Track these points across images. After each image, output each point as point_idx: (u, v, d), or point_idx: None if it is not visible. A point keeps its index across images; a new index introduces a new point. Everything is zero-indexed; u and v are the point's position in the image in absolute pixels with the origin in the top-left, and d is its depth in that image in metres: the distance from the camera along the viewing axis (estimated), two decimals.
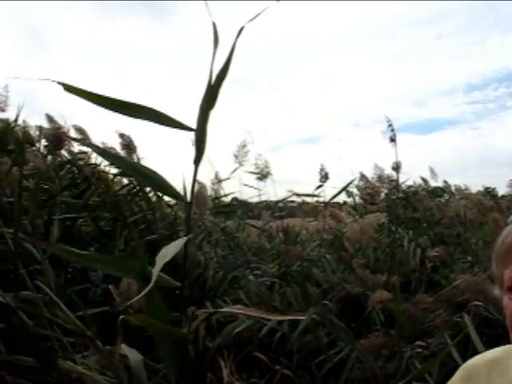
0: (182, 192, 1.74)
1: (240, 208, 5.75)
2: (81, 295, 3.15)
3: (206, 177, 5.17)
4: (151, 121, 1.58)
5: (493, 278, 1.21)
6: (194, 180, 1.62)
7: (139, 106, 1.55)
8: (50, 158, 4.17)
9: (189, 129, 1.55)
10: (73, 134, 4.49)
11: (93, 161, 4.61)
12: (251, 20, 1.36)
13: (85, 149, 4.70)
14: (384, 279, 3.70)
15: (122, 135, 4.54)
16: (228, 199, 5.70)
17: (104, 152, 1.68)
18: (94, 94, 1.56)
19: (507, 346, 1.23)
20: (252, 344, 3.37)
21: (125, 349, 2.15)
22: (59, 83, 1.53)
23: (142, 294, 1.05)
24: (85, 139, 4.61)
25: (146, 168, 1.65)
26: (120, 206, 3.87)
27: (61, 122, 4.31)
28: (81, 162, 4.41)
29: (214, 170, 5.10)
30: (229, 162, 4.66)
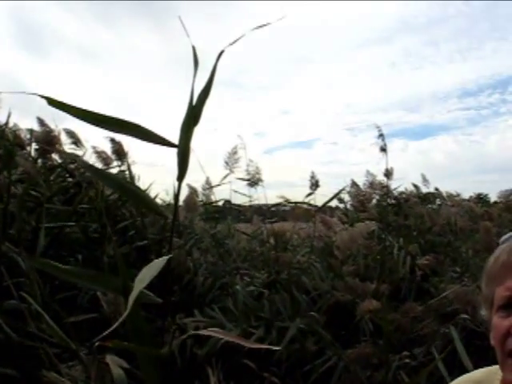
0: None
1: (231, 211, 5.73)
2: (69, 301, 3.15)
3: (197, 182, 5.17)
4: (134, 136, 1.57)
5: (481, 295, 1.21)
6: (177, 197, 1.61)
7: (122, 121, 1.54)
8: (40, 161, 4.16)
9: (172, 145, 1.54)
10: (64, 137, 4.47)
11: None
12: (231, 44, 1.36)
13: (76, 152, 4.69)
14: (373, 287, 3.69)
15: (112, 140, 4.53)
16: (219, 203, 5.70)
17: (89, 167, 1.66)
18: (78, 108, 1.54)
19: (492, 367, 1.23)
20: (240, 352, 3.37)
21: (109, 360, 2.15)
22: (42, 97, 1.52)
23: (119, 321, 1.05)
24: (75, 142, 4.59)
25: (131, 184, 1.65)
26: (110, 212, 3.86)
27: (52, 125, 4.29)
28: (72, 166, 4.39)
29: (205, 176, 5.09)
30: (221, 166, 4.65)
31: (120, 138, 4.53)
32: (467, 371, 2.63)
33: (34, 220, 3.20)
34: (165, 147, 1.58)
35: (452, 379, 2.62)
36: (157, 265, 1.37)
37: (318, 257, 4.66)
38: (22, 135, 4.24)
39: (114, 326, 1.04)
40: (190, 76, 1.44)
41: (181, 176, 1.55)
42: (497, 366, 1.15)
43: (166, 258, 1.43)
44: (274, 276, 4.13)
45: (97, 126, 1.57)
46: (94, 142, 4.72)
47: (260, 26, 1.40)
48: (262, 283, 4.19)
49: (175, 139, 1.55)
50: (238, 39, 1.35)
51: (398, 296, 4.08)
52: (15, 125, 4.32)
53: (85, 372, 2.26)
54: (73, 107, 1.54)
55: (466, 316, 3.11)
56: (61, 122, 4.45)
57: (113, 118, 1.53)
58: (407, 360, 3.23)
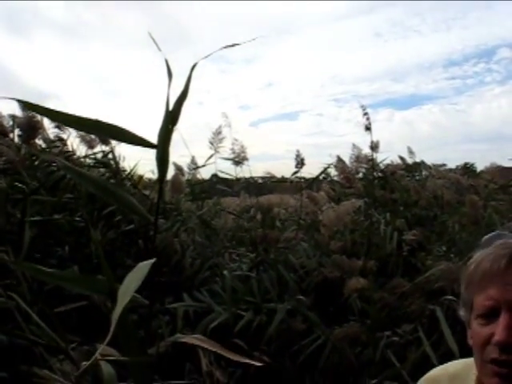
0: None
1: (218, 190, 5.74)
2: (58, 290, 3.16)
3: (182, 157, 5.15)
4: (112, 138, 1.57)
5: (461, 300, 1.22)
6: (159, 199, 1.61)
7: (99, 122, 1.52)
8: (24, 148, 4.11)
9: (152, 146, 1.53)
10: (46, 122, 4.42)
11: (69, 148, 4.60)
12: (205, 57, 1.37)
13: (61, 135, 4.66)
14: (361, 264, 3.72)
15: None
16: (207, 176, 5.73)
17: (69, 168, 1.65)
18: (54, 110, 1.53)
19: (468, 360, 1.25)
20: (231, 332, 3.41)
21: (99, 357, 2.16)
22: (19, 101, 1.51)
23: (107, 339, 1.05)
24: (59, 126, 4.55)
25: (113, 186, 1.64)
26: (96, 197, 3.83)
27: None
28: (56, 151, 4.37)
29: (191, 155, 5.07)
30: (206, 141, 4.61)
31: (105, 120, 4.48)
32: (452, 352, 2.68)
33: (19, 212, 3.18)
34: (146, 141, 1.57)
35: (438, 359, 2.67)
36: (140, 271, 1.37)
37: (305, 233, 4.69)
38: (5, 122, 4.18)
39: (105, 343, 1.04)
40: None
41: (161, 178, 1.55)
42: (473, 359, 1.17)
43: (150, 262, 1.43)
44: (261, 255, 4.15)
45: (75, 128, 1.56)
46: None
47: (231, 46, 1.40)
48: (250, 263, 4.22)
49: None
50: (210, 54, 1.36)
51: (386, 271, 4.12)
52: None
53: (76, 366, 2.28)
54: (49, 110, 1.52)
55: (452, 297, 3.14)
56: (44, 102, 4.37)
57: (88, 120, 1.51)
58: (395, 338, 3.29)
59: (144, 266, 1.42)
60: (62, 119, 1.55)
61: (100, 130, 1.57)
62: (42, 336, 2.15)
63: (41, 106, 1.53)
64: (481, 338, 1.08)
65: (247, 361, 1.35)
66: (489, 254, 1.12)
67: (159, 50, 1.33)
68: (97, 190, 1.64)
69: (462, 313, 1.22)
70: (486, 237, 1.18)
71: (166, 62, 1.38)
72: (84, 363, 1.15)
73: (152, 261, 1.45)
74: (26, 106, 1.49)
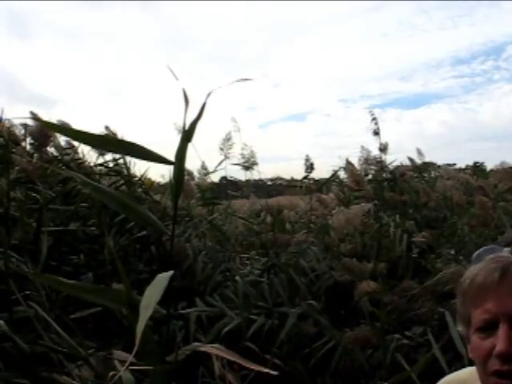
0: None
1: (228, 195, 5.79)
2: (74, 296, 3.21)
3: (191, 158, 5.20)
4: (130, 155, 1.61)
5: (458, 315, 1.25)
6: (175, 215, 1.65)
7: (117, 140, 1.59)
8: (36, 156, 4.17)
9: (169, 162, 1.58)
10: None
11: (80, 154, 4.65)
12: (219, 87, 1.42)
13: (71, 142, 4.70)
14: (371, 267, 3.75)
15: (107, 128, 4.53)
16: (216, 179, 5.80)
17: (87, 184, 1.70)
18: (72, 129, 1.57)
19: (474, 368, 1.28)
20: (243, 336, 3.46)
21: (116, 362, 2.21)
22: (34, 119, 1.56)
23: (129, 360, 1.10)
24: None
25: (131, 201, 1.68)
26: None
27: (45, 118, 4.28)
28: (67, 158, 4.42)
29: (201, 160, 5.12)
30: (215, 143, 4.65)
31: (115, 126, 4.54)
32: (461, 355, 2.70)
33: (34, 222, 3.24)
34: (162, 159, 1.62)
35: (447, 362, 2.70)
36: (160, 284, 1.42)
37: (315, 237, 4.72)
38: (17, 131, 4.23)
39: (131, 358, 1.09)
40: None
41: (177, 193, 1.60)
42: None
43: (168, 274, 1.47)
44: (272, 260, 4.19)
45: (94, 147, 1.61)
46: (89, 130, 4.71)
47: (243, 80, 1.46)
48: (261, 267, 4.27)
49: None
50: (221, 87, 1.42)
51: (396, 274, 4.15)
52: (9, 121, 4.31)
53: (94, 372, 2.33)
54: (70, 130, 1.57)
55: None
56: (50, 107, 4.44)
57: (110, 139, 1.57)
58: (405, 341, 3.32)
59: (163, 279, 1.46)
60: (82, 138, 1.59)
61: (119, 148, 1.61)
62: (61, 343, 2.20)
63: (60, 126, 1.59)
64: (482, 352, 1.11)
65: (261, 369, 1.40)
66: (482, 269, 1.14)
67: (177, 79, 1.38)
68: (116, 205, 1.68)
69: (460, 328, 1.25)
70: (477, 252, 1.21)
71: (184, 91, 1.42)
72: (112, 373, 1.19)
73: (170, 273, 1.50)
74: (49, 127, 1.54)
